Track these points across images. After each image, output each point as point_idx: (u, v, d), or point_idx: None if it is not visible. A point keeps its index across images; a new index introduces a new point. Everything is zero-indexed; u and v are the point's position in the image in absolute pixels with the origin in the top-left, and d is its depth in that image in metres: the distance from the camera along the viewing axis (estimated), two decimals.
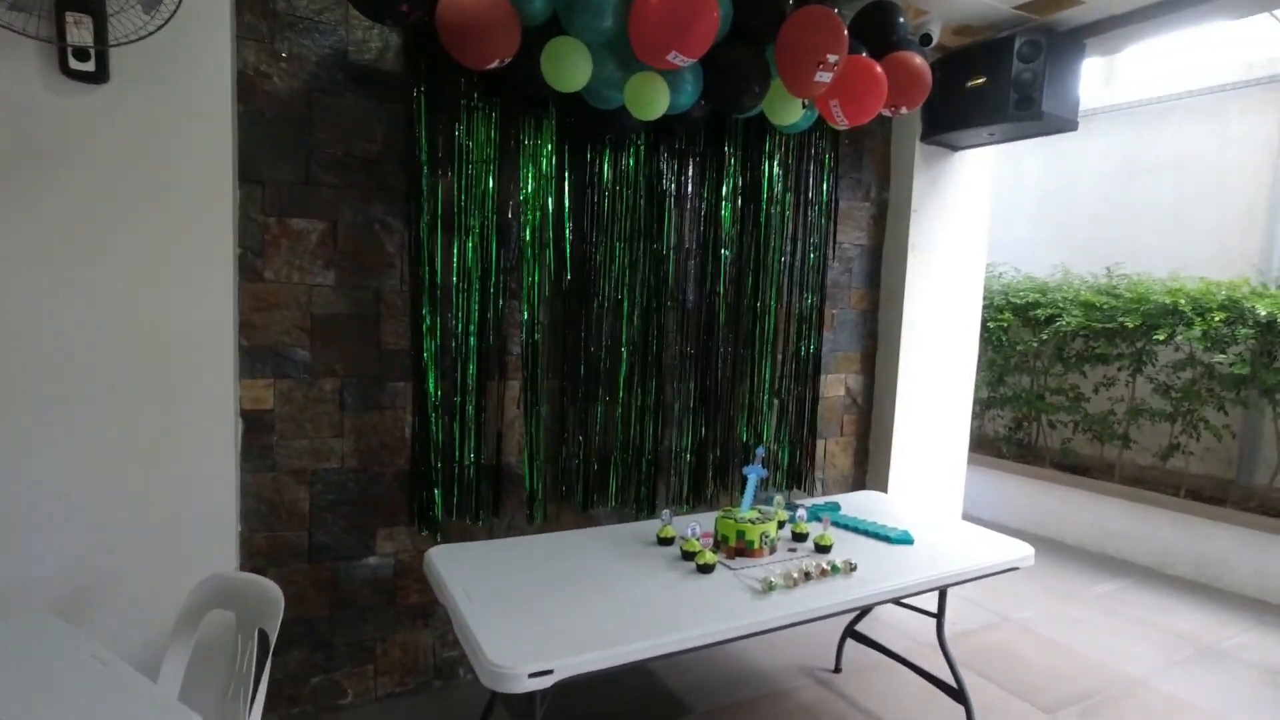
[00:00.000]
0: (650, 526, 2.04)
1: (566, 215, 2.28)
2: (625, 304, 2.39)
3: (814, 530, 1.98)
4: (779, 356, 2.74)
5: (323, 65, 2.00)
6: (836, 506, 2.30)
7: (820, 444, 2.96)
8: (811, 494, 2.89)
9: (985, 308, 4.32)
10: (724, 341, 2.60)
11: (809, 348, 2.77)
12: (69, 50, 1.61)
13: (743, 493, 1.98)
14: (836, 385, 2.98)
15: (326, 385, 2.08)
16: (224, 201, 1.80)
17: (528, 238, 2.22)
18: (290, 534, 2.07)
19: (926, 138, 2.88)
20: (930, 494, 3.11)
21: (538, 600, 1.55)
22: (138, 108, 1.70)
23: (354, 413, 2.11)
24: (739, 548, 1.86)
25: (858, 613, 2.42)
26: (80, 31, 1.60)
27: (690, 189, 2.49)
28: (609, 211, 2.34)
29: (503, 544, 1.92)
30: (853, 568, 1.78)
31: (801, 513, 2.02)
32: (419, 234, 2.05)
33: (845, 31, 1.95)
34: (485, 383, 2.21)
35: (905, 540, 2.02)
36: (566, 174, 2.27)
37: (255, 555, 2.04)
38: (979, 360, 4.36)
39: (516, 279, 2.24)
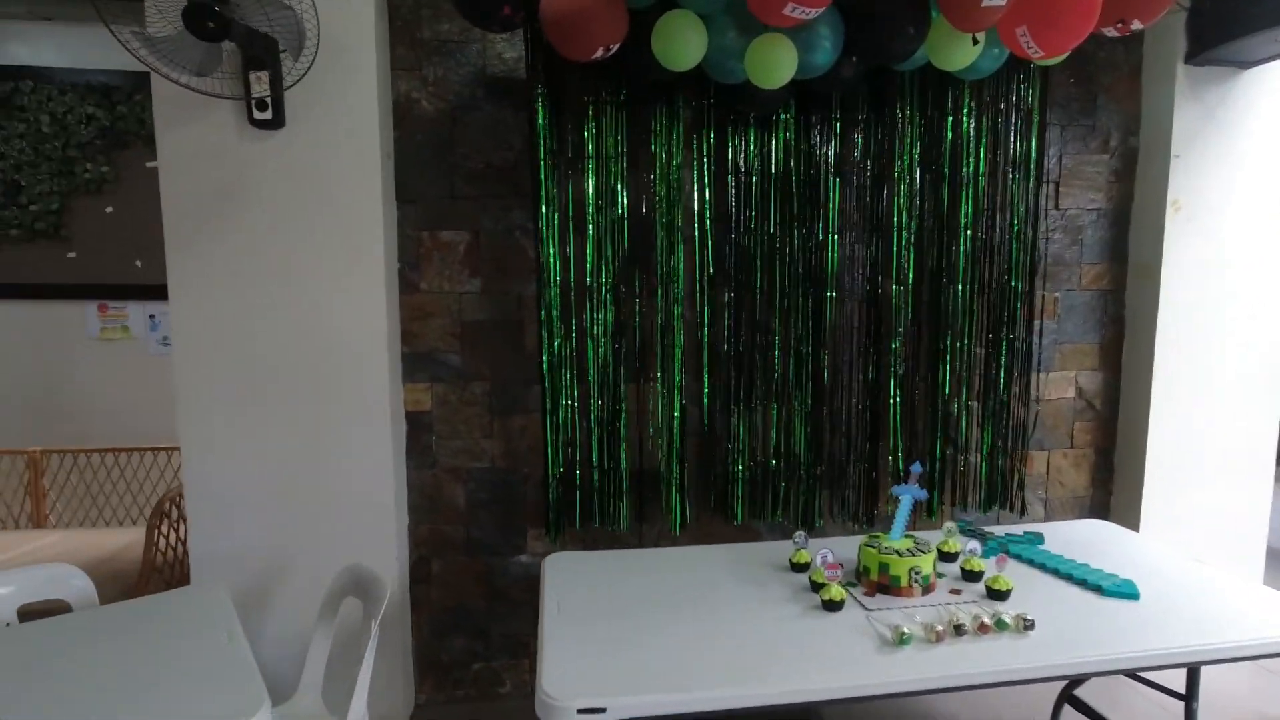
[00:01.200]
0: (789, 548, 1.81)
1: (708, 204, 2.13)
2: (778, 297, 2.16)
3: (990, 569, 1.59)
4: (978, 351, 2.28)
5: (464, 83, 2.09)
6: (1038, 539, 1.84)
7: (1042, 457, 2.41)
8: (1023, 518, 2.37)
9: None
10: (904, 335, 2.23)
11: (1016, 339, 2.27)
12: (252, 103, 1.87)
13: (897, 514, 1.66)
14: (1062, 385, 2.41)
15: (476, 388, 2.18)
16: (378, 222, 1.96)
17: (664, 233, 2.11)
18: (449, 528, 2.21)
19: (1194, 58, 2.18)
20: (1212, 529, 2.37)
21: (630, 623, 1.45)
22: (307, 145, 1.91)
23: (501, 415, 2.19)
24: (882, 583, 1.56)
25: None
26: (260, 86, 1.86)
27: (855, 161, 2.17)
28: (757, 195, 2.13)
29: (625, 555, 1.84)
30: (1028, 625, 1.38)
31: (974, 545, 1.63)
32: (541, 236, 2.05)
33: None
34: (623, 385, 2.15)
35: (1126, 593, 1.53)
36: (706, 160, 2.11)
37: (420, 545, 2.21)
38: None
39: (654, 276, 2.14)
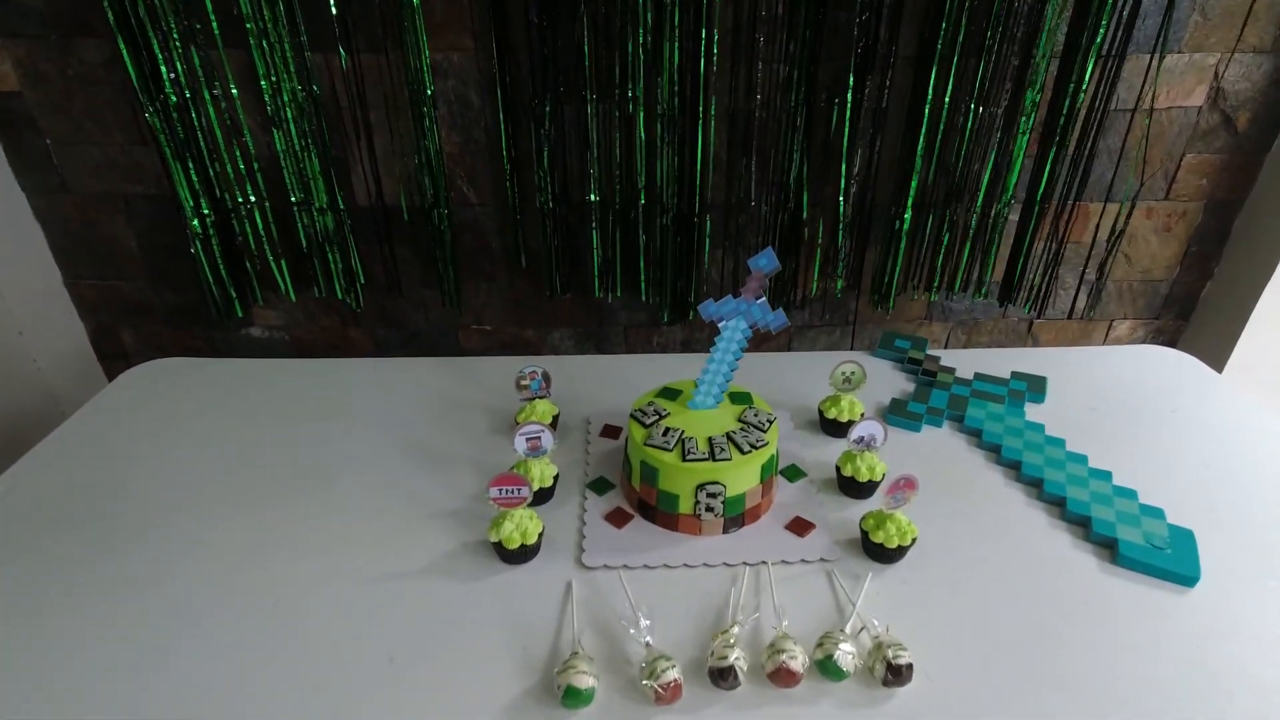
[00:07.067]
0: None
1: None
2: None
3: (881, 496, 0.75)
4: (1018, 5, 1.15)
5: None
6: (1033, 392, 0.96)
7: (1102, 212, 1.40)
8: (1040, 314, 1.45)
9: None
10: None
11: None
12: None
13: (710, 359, 0.80)
14: (1187, 81, 1.28)
15: (90, 53, 1.23)
16: None
17: None
18: (128, 285, 1.45)
19: None
20: None
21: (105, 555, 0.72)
22: None
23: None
24: (645, 501, 0.76)
25: None
26: None
27: None
28: None
29: (256, 369, 1.07)
30: (896, 674, 0.58)
31: (872, 430, 0.77)
32: None
33: None
34: (325, 57, 1.17)
35: (1168, 569, 0.70)
36: None
37: (94, 310, 1.48)
38: None
39: None
